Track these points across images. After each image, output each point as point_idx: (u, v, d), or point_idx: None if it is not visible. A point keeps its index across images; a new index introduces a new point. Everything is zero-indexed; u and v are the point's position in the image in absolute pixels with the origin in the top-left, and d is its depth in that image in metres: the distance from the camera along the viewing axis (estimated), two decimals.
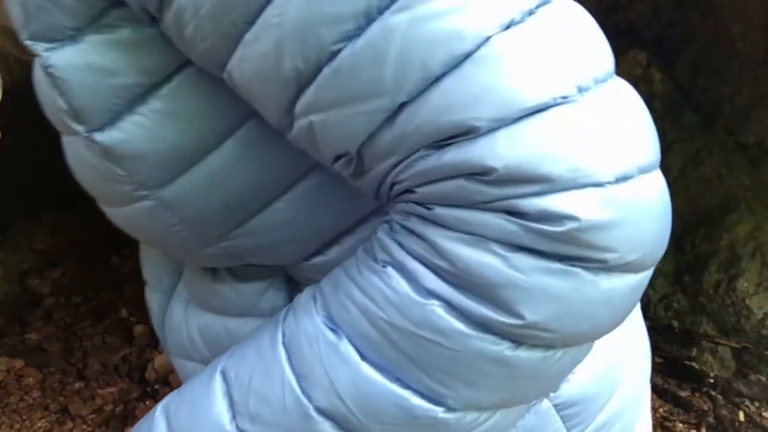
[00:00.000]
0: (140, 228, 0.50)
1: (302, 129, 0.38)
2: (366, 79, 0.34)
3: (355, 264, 0.39)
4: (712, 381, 2.66)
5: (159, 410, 0.46)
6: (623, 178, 0.33)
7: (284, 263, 0.50)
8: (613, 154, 0.33)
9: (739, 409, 2.52)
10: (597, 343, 0.52)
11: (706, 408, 2.53)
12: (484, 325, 0.34)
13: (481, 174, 0.33)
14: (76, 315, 3.11)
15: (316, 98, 0.36)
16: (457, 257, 0.34)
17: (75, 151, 0.46)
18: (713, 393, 2.60)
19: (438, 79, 0.33)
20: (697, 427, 2.43)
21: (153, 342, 2.80)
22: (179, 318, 0.61)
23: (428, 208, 0.35)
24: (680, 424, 2.45)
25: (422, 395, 0.36)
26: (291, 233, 0.46)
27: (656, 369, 2.87)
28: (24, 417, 2.42)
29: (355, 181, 0.40)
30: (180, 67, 0.42)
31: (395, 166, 0.36)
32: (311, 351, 0.38)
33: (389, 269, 0.36)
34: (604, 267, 0.34)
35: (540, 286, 0.33)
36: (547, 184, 0.32)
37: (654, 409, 2.54)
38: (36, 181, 3.02)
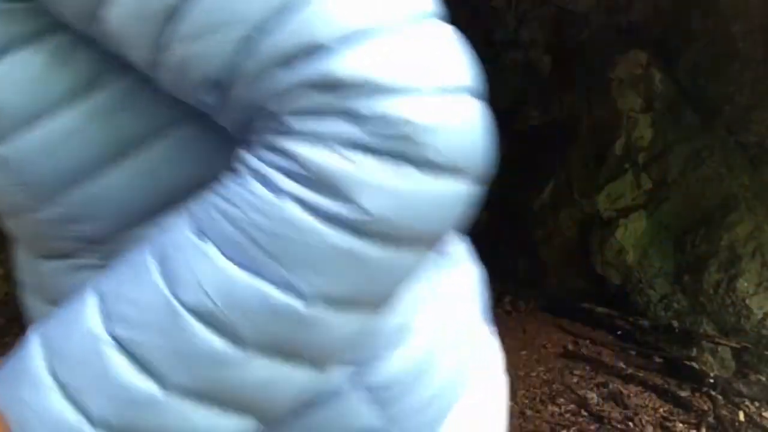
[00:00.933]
0: None
1: (170, 64, 0.42)
2: (227, 7, 0.40)
3: (219, 181, 0.44)
4: (712, 381, 2.67)
5: (35, 334, 0.48)
6: (446, 91, 0.40)
7: (115, 229, 0.51)
8: (439, 70, 0.40)
9: (739, 409, 2.53)
10: (413, 327, 0.54)
11: (706, 408, 2.54)
12: (332, 220, 0.40)
13: (326, 84, 0.39)
14: None
15: (183, 28, 0.41)
16: (305, 158, 0.39)
17: None
18: (713, 393, 2.60)
19: (290, 6, 0.39)
20: (697, 427, 2.43)
21: None
22: (32, 307, 0.61)
23: (279, 121, 0.41)
24: (680, 424, 2.46)
25: (281, 288, 0.41)
26: (124, 203, 0.49)
27: (656, 369, 2.88)
28: None
29: (219, 115, 0.44)
30: (17, 42, 0.45)
31: (252, 86, 0.41)
32: (177, 255, 0.43)
33: (248, 177, 0.42)
34: (431, 167, 0.40)
35: (377, 181, 0.39)
36: (384, 91, 0.39)
37: (654, 409, 2.55)
38: None
